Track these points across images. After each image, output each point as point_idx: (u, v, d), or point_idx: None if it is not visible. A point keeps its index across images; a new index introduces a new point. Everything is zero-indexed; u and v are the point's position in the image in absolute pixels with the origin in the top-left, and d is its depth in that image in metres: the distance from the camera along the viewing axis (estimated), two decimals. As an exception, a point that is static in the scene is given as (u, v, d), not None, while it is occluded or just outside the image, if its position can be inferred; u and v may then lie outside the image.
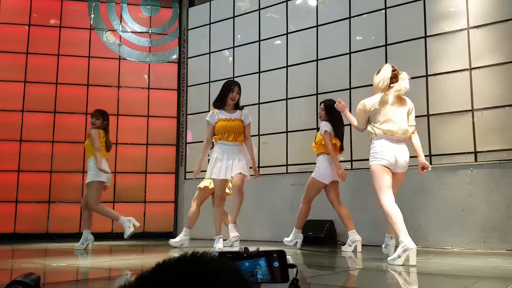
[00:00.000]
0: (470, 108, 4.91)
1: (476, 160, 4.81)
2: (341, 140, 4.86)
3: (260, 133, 6.48)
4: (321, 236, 5.26)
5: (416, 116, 5.14)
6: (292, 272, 1.35)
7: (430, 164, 5.01)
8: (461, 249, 4.65)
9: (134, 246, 5.58)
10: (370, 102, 3.72)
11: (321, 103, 4.96)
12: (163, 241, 6.26)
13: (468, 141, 4.88)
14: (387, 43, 5.54)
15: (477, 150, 4.82)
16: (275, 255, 1.21)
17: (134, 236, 6.72)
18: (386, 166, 3.54)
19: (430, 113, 5.15)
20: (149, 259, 4.07)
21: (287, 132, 6.22)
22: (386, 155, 3.55)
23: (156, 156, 7.21)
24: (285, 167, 6.17)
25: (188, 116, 7.34)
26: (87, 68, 7.11)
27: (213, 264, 0.70)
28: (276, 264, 1.21)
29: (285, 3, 6.49)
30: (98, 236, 6.64)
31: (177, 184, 7.27)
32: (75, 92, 7.02)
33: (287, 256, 1.25)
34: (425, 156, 5.04)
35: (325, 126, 4.73)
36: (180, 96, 7.45)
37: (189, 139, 7.31)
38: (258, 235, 6.19)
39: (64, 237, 6.60)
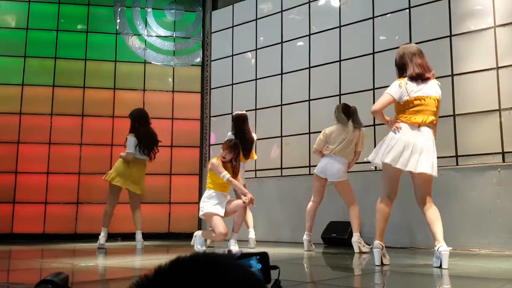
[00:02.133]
0: (497, 108, 4.81)
1: (503, 161, 4.71)
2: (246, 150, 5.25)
3: (283, 135, 6.48)
4: (345, 237, 5.22)
5: (441, 116, 5.06)
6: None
7: (457, 165, 4.95)
8: (488, 251, 4.56)
9: (159, 246, 5.65)
10: None
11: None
12: (188, 242, 6.32)
13: (495, 141, 4.78)
14: (412, 42, 5.47)
15: (505, 150, 4.72)
16: (258, 257, 1.22)
17: (160, 236, 6.83)
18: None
19: (456, 113, 5.07)
20: (174, 260, 4.11)
21: (309, 133, 6.21)
22: None
23: (180, 158, 7.29)
24: (308, 168, 6.16)
25: (212, 118, 7.40)
26: (113, 72, 7.25)
27: (223, 260, 0.73)
28: (259, 266, 1.22)
29: (307, 4, 6.48)
30: (125, 237, 6.79)
31: (201, 185, 7.33)
32: (102, 96, 7.16)
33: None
34: (452, 156, 4.99)
35: None
36: (203, 99, 7.52)
37: (212, 140, 7.37)
38: (281, 237, 6.19)
39: (92, 237, 6.71)
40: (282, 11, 6.76)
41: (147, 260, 4.30)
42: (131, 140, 5.38)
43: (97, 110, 7.13)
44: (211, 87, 7.47)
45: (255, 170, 6.60)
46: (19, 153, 6.83)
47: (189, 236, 6.98)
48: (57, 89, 7.05)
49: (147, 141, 5.48)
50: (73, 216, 6.85)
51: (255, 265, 1.22)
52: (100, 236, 5.29)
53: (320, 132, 6.07)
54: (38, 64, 7.07)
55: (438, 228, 3.32)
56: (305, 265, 3.93)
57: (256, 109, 6.84)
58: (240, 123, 5.41)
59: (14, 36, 7.08)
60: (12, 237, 6.49)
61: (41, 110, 6.96)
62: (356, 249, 4.56)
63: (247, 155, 5.41)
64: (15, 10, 7.18)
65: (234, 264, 0.73)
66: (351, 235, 5.21)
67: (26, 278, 3.14)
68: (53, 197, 6.83)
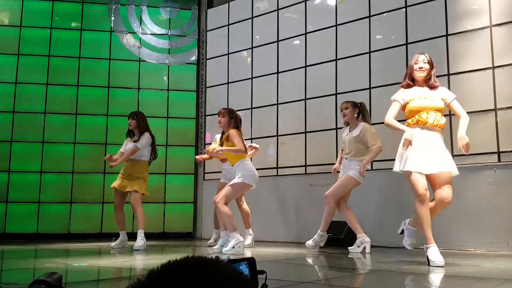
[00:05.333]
0: (493, 107, 4.81)
1: (499, 160, 4.71)
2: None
3: (279, 134, 6.46)
4: (341, 237, 5.21)
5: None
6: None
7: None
8: (484, 251, 4.56)
9: (154, 247, 5.61)
10: None
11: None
12: (182, 241, 6.30)
13: (491, 141, 4.78)
14: (408, 41, 5.47)
15: (501, 150, 4.72)
16: (245, 263, 1.23)
17: (154, 236, 6.80)
18: None
19: (452, 112, 5.05)
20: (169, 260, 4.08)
21: (305, 132, 6.19)
22: None
23: (175, 157, 7.25)
24: (304, 168, 6.14)
25: (207, 117, 7.37)
26: (107, 70, 7.19)
27: (214, 263, 0.74)
28: (246, 271, 1.23)
29: (303, 3, 6.46)
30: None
31: (196, 184, 7.30)
32: (96, 94, 7.11)
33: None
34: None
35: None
36: (199, 97, 7.48)
37: (208, 140, 7.33)
38: (278, 236, 6.17)
39: (85, 237, 6.68)
40: (278, 9, 6.73)
41: (141, 260, 4.26)
42: (148, 138, 5.33)
43: (91, 108, 7.07)
44: (207, 86, 7.44)
45: (251, 169, 6.56)
46: (12, 152, 6.77)
47: (184, 236, 6.97)
48: (50, 87, 6.99)
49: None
50: (67, 215, 6.80)
51: (243, 271, 1.23)
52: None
53: (316, 131, 6.07)
54: (31, 62, 7.00)
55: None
56: (301, 265, 3.91)
57: (251, 108, 6.81)
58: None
59: (8, 34, 7.01)
60: (5, 237, 6.43)
61: (35, 108, 6.90)
62: (368, 249, 4.54)
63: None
64: (9, 7, 7.11)
65: (224, 267, 0.74)
66: (346, 235, 5.20)
67: (19, 278, 3.10)
68: (46, 196, 6.77)
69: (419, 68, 3.69)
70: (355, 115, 4.81)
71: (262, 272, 1.27)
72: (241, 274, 0.79)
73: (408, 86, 3.75)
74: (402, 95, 3.73)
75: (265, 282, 1.25)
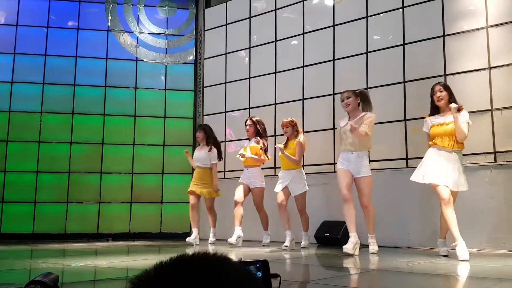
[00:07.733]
0: (489, 108, 4.83)
1: (495, 160, 4.73)
2: None
3: (277, 134, 6.46)
4: (338, 237, 5.21)
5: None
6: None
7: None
8: (480, 251, 4.57)
9: (151, 247, 5.61)
10: None
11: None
12: (180, 241, 6.29)
13: (487, 141, 4.80)
14: (405, 42, 5.48)
15: (497, 150, 4.74)
16: (258, 265, 1.20)
17: (151, 236, 6.79)
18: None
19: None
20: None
21: (303, 132, 6.17)
22: None
23: (172, 157, 7.24)
24: (302, 168, 6.12)
25: (205, 117, 7.36)
26: (104, 69, 7.18)
27: (226, 260, 0.73)
28: (259, 274, 1.19)
29: (301, 3, 6.46)
30: (116, 236, 6.74)
31: (193, 184, 7.28)
32: (93, 93, 7.09)
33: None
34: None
35: None
36: (196, 97, 7.47)
37: (205, 139, 7.31)
38: (275, 236, 6.15)
39: (82, 237, 6.66)
40: (276, 9, 6.73)
41: (138, 260, 4.26)
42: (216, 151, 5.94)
43: (88, 108, 7.05)
44: (204, 86, 7.43)
45: (248, 169, 6.55)
46: (8, 151, 6.75)
47: (181, 236, 6.96)
48: (47, 87, 6.97)
49: None
50: (63, 215, 6.78)
51: (255, 273, 1.20)
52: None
53: (314, 131, 6.07)
54: (28, 61, 6.98)
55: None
56: (302, 265, 3.91)
57: (249, 108, 6.81)
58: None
59: (4, 33, 6.99)
60: (0, 237, 6.40)
61: (31, 108, 6.88)
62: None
63: None
64: (5, 6, 7.09)
65: (235, 265, 0.74)
66: (344, 235, 5.21)
67: (15, 279, 3.09)
68: (42, 196, 6.75)
69: (437, 98, 4.18)
70: (357, 104, 4.50)
71: (276, 275, 1.22)
72: (252, 273, 0.77)
73: (432, 114, 4.27)
74: (425, 126, 4.31)
75: (279, 286, 1.21)
